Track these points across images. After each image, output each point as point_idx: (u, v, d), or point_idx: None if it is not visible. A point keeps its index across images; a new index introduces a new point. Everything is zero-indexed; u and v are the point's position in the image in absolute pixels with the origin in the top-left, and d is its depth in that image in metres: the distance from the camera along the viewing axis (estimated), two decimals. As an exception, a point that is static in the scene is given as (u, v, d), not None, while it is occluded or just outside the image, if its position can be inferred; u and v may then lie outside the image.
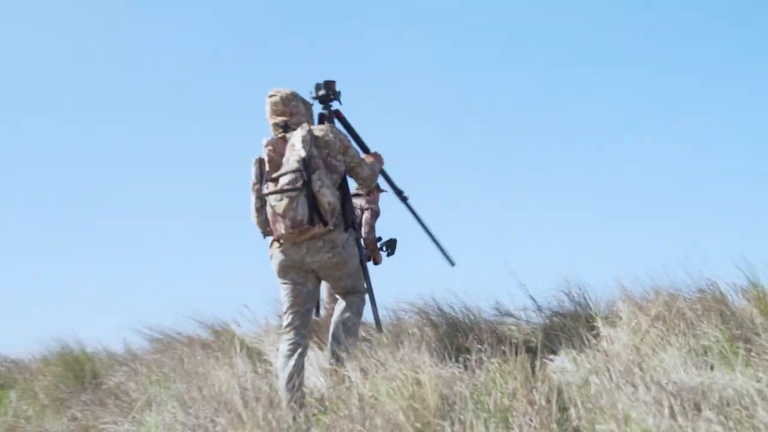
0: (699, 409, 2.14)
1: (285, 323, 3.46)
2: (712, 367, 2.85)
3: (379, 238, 5.22)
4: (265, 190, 3.41)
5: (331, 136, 3.55)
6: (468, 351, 2.92)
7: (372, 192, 5.28)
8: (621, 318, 3.80)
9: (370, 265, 4.59)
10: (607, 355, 3.03)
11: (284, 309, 3.48)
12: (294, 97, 3.62)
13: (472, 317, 4.06)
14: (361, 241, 4.86)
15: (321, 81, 3.87)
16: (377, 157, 3.97)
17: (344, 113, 3.93)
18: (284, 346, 3.40)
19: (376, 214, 5.24)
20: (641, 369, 2.55)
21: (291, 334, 3.41)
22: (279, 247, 3.45)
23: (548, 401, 2.39)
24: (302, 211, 3.27)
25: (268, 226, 3.42)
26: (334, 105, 3.89)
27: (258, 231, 3.48)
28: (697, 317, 3.14)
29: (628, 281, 3.91)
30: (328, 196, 3.31)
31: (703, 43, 16.29)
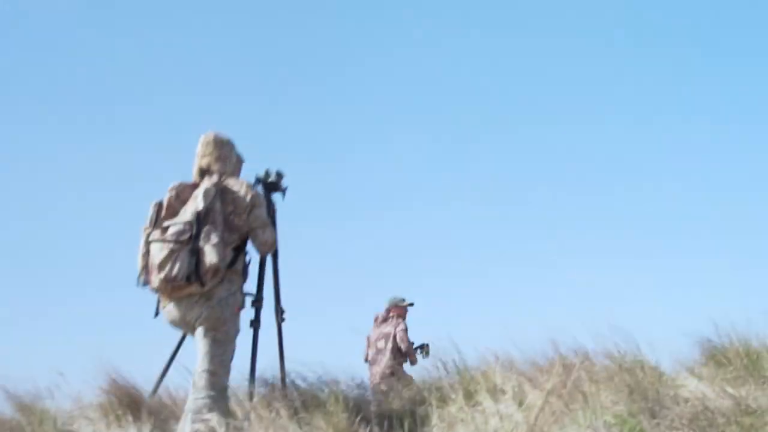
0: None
1: None
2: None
3: (412, 343, 6.47)
4: (152, 237, 3.25)
5: (242, 192, 3.42)
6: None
7: (400, 309, 6.66)
8: (505, 392, 3.33)
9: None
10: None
11: None
12: (228, 144, 3.58)
13: (329, 391, 3.45)
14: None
15: (274, 169, 3.84)
16: None
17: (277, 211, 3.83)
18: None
19: (406, 329, 6.53)
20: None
21: None
22: (161, 303, 3.33)
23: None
24: (180, 267, 3.13)
25: (148, 274, 3.25)
26: (275, 197, 3.84)
27: (138, 277, 3.31)
28: (599, 389, 2.70)
29: (519, 345, 3.48)
30: (211, 256, 3.15)
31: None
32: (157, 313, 3.40)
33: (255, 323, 3.70)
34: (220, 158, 3.50)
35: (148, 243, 3.26)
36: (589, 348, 3.50)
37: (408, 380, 5.14)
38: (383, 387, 5.26)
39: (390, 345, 6.45)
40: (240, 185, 3.46)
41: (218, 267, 3.16)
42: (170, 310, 3.31)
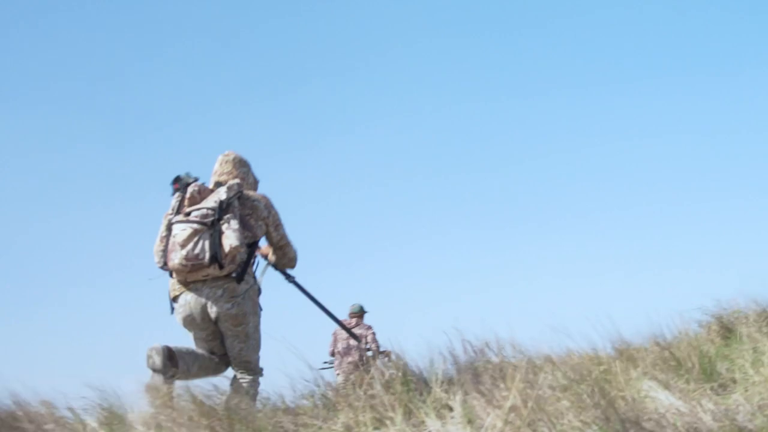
0: None
1: None
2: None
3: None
4: (175, 219, 3.40)
5: (261, 203, 3.63)
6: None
7: (361, 317, 7.95)
8: (452, 410, 2.94)
9: None
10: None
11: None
12: (246, 164, 3.78)
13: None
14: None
15: (186, 172, 3.88)
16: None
17: None
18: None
19: (375, 333, 7.84)
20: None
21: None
22: (179, 291, 3.45)
23: None
24: (201, 247, 3.27)
25: (166, 256, 3.39)
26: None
27: (155, 259, 3.46)
28: (565, 407, 2.36)
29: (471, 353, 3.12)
30: (232, 239, 3.30)
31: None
32: (172, 310, 3.52)
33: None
34: (238, 177, 3.68)
35: (169, 226, 3.40)
36: (538, 351, 3.24)
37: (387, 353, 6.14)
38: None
39: (361, 345, 7.58)
40: (261, 198, 3.67)
41: (238, 250, 3.30)
42: (189, 301, 3.41)
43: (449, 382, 3.23)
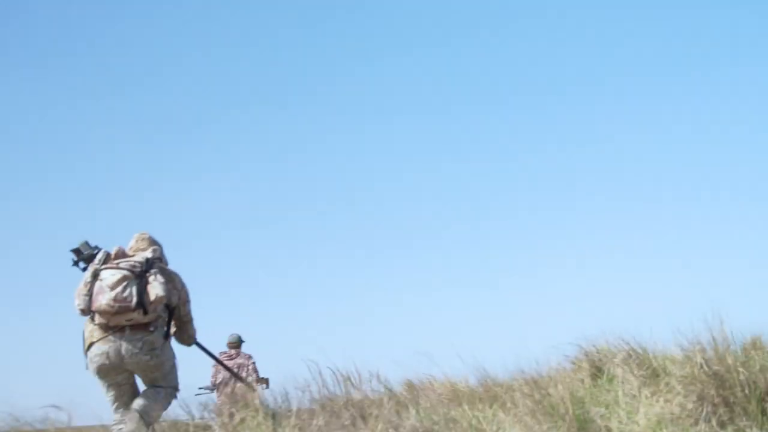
0: None
1: (116, 414, 3.69)
2: None
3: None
4: (102, 267, 3.69)
5: (178, 276, 3.98)
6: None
7: (239, 346, 8.48)
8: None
9: None
10: None
11: (112, 407, 3.75)
12: (159, 244, 4.08)
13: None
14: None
15: (85, 241, 4.03)
16: None
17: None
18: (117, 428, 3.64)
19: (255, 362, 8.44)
20: None
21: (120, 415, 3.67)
22: (96, 338, 3.61)
23: None
24: (129, 291, 3.54)
25: (90, 299, 3.59)
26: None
27: (77, 303, 3.66)
28: None
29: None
30: (158, 290, 3.60)
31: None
32: (86, 365, 3.71)
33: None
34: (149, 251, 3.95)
35: (96, 273, 3.65)
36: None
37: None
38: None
39: (243, 374, 7.90)
40: (174, 274, 3.97)
41: (162, 300, 3.62)
42: (106, 351, 3.59)
43: (309, 416, 2.90)
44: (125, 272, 3.56)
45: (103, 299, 3.48)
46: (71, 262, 3.92)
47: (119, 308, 3.49)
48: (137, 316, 3.51)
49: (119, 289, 3.50)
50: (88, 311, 3.60)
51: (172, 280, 3.84)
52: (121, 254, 3.82)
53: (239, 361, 8.33)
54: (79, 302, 3.61)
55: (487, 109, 20.24)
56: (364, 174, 19.38)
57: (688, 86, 20.43)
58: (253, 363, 8.45)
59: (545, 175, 19.64)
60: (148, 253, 3.80)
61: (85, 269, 3.96)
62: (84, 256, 4.02)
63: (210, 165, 19.00)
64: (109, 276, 3.55)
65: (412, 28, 19.53)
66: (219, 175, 18.94)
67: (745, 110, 19.64)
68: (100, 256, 3.76)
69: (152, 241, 4.06)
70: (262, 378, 8.13)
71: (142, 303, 3.49)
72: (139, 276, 3.57)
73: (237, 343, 8.49)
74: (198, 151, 19.13)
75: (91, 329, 3.64)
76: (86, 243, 4.04)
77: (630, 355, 4.12)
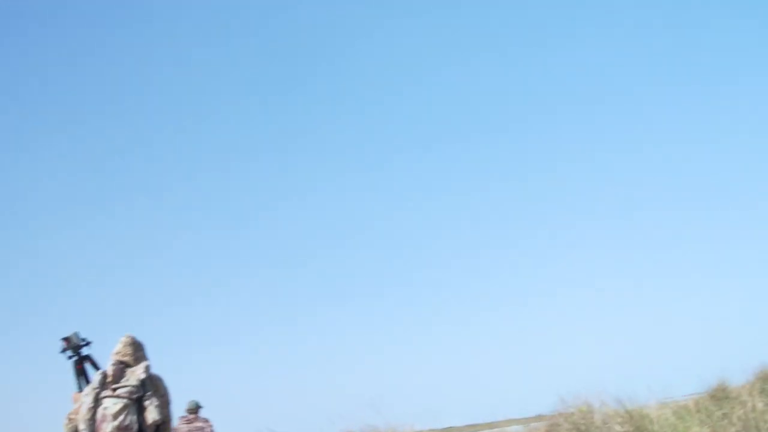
0: None
1: None
2: None
3: None
4: (104, 394, 4.16)
5: (161, 385, 4.43)
6: None
7: (197, 411, 9.23)
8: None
9: None
10: None
11: None
12: (142, 346, 4.53)
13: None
14: None
15: (75, 332, 4.70)
16: None
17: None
18: None
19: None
20: None
21: None
22: None
23: None
24: (130, 420, 4.06)
25: (96, 423, 4.06)
26: (84, 351, 4.82)
27: (81, 426, 4.09)
28: None
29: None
30: (154, 414, 4.15)
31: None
32: None
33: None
34: (137, 359, 4.42)
35: (97, 399, 4.13)
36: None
37: None
38: None
39: None
40: (160, 381, 4.44)
41: (158, 423, 4.15)
42: None
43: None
44: (125, 401, 4.10)
45: (108, 428, 4.03)
46: (60, 349, 4.59)
47: None
48: None
49: (121, 417, 4.04)
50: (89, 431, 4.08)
51: (162, 395, 4.35)
52: (118, 373, 4.26)
53: (198, 424, 9.16)
54: (83, 427, 4.07)
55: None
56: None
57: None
58: (211, 427, 9.25)
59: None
60: (141, 373, 4.27)
61: (71, 357, 4.67)
62: (73, 345, 4.60)
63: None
64: (111, 405, 4.08)
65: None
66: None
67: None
68: (97, 378, 4.23)
69: (137, 346, 4.53)
70: None
71: (142, 428, 4.10)
72: (137, 401, 4.13)
73: (195, 409, 9.29)
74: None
75: None
76: (76, 334, 4.65)
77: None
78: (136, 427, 4.03)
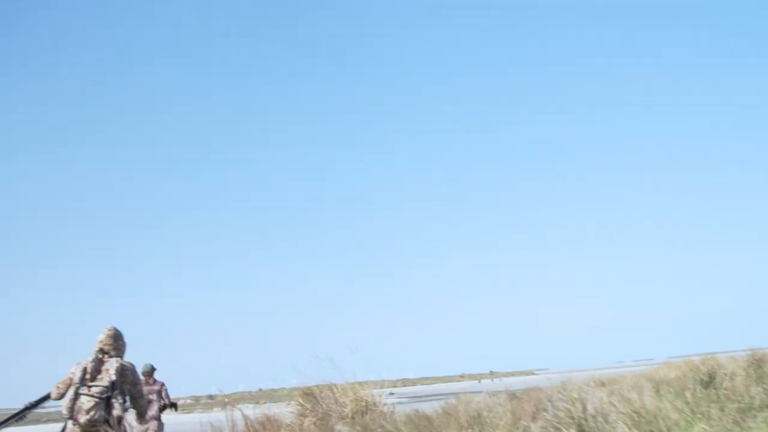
0: None
1: None
2: None
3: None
4: (81, 391, 5.41)
5: (129, 372, 5.68)
6: None
7: (151, 375, 9.90)
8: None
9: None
10: None
11: None
12: (122, 337, 5.85)
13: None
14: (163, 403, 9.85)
15: None
16: None
17: None
18: None
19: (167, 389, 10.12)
20: None
21: None
22: None
23: None
24: (99, 414, 5.35)
25: (74, 412, 5.33)
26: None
27: (64, 411, 5.37)
28: None
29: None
30: (118, 410, 5.41)
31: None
32: None
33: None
34: (116, 348, 5.72)
35: (77, 394, 5.38)
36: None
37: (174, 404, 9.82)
38: (150, 427, 9.02)
39: (157, 398, 9.58)
40: (129, 366, 5.69)
41: (121, 418, 5.38)
42: None
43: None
44: (96, 400, 5.33)
45: (82, 418, 5.29)
46: (26, 405, 5.54)
47: (92, 425, 5.30)
48: (104, 427, 5.30)
49: (92, 413, 5.31)
50: (69, 416, 5.33)
51: (133, 383, 5.65)
52: (96, 368, 5.50)
53: (154, 387, 9.76)
54: (65, 412, 5.34)
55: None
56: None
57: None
58: (166, 389, 9.90)
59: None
60: (113, 373, 5.47)
61: (34, 407, 5.58)
62: (35, 405, 5.55)
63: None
64: (86, 402, 5.33)
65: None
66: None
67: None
68: (79, 373, 5.40)
69: (117, 337, 5.75)
70: (173, 402, 9.90)
71: (108, 422, 5.30)
72: (106, 399, 5.37)
73: (150, 372, 9.86)
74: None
75: (71, 429, 5.36)
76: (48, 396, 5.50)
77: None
78: (102, 419, 5.29)
